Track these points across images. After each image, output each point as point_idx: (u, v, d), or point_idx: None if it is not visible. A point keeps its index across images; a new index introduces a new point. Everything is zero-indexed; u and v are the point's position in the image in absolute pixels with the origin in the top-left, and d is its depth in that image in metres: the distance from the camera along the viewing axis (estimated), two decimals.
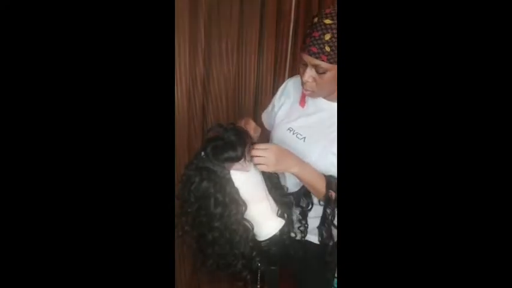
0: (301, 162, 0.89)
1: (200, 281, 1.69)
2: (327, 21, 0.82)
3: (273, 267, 0.99)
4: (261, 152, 0.83)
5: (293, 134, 1.00)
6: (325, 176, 0.90)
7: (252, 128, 0.95)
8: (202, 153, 0.83)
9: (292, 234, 0.96)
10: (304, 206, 0.98)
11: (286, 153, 0.88)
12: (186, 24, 1.30)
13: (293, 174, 0.89)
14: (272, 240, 0.90)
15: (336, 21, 0.81)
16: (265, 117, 1.20)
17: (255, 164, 0.85)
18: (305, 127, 1.00)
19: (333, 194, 0.89)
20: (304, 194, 0.98)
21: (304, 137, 0.98)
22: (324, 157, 0.93)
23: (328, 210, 0.92)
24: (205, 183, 0.81)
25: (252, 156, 0.84)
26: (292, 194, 0.99)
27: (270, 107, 1.17)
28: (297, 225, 0.99)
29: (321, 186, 0.89)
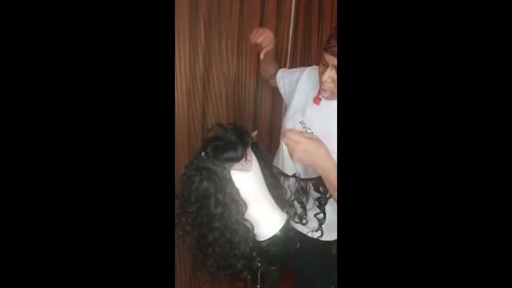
0: (331, 161, 0.82)
1: (200, 281, 1.69)
2: None
3: (273, 267, 1.00)
4: (295, 139, 0.77)
5: (303, 127, 1.03)
6: None
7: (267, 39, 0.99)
8: (203, 153, 0.83)
9: (297, 225, 0.96)
10: (322, 192, 0.97)
11: (319, 146, 0.80)
12: (186, 24, 1.30)
13: (319, 172, 0.83)
14: (272, 240, 0.90)
15: None
16: (280, 75, 1.23)
17: (286, 145, 0.78)
18: (315, 122, 1.02)
19: None
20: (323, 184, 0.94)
21: (312, 132, 1.00)
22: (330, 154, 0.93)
23: None
24: (205, 183, 0.81)
25: (284, 137, 0.78)
26: (312, 179, 1.00)
27: (289, 70, 1.20)
28: (312, 212, 0.99)
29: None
